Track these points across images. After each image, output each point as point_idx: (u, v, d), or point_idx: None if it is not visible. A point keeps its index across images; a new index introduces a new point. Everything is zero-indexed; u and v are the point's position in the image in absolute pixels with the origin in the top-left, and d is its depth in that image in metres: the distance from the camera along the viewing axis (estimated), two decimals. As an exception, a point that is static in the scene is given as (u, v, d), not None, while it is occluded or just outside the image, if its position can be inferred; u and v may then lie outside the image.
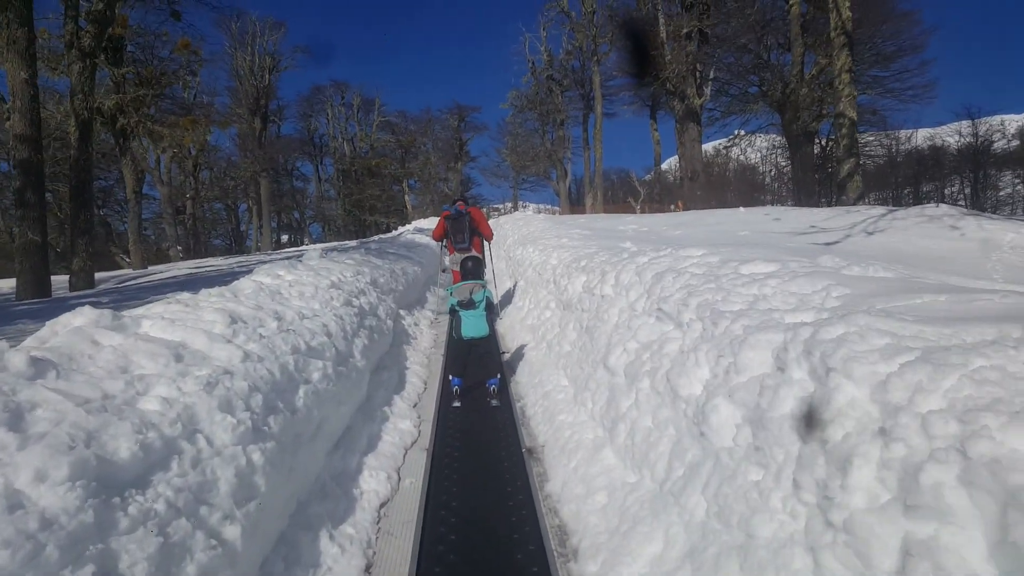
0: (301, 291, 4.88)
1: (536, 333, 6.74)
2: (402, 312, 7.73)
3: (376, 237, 24.01)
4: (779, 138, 36.82)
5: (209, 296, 3.93)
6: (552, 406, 4.64)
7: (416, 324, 7.88)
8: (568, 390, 4.78)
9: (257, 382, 2.97)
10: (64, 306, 9.29)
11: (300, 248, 29.32)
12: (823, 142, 31.84)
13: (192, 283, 11.03)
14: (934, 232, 10.06)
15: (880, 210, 12.89)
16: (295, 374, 3.41)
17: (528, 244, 10.82)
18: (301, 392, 3.33)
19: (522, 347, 6.68)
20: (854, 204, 16.37)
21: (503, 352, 6.78)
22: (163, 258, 32.77)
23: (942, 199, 36.56)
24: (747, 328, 2.95)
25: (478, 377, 5.29)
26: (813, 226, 12.01)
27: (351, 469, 3.59)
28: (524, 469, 3.88)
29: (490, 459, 4.09)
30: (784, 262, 3.97)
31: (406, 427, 4.44)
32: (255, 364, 3.09)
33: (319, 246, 27.88)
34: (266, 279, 5.01)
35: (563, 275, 7.06)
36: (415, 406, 5.06)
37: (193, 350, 2.99)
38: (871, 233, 10.58)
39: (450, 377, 5.26)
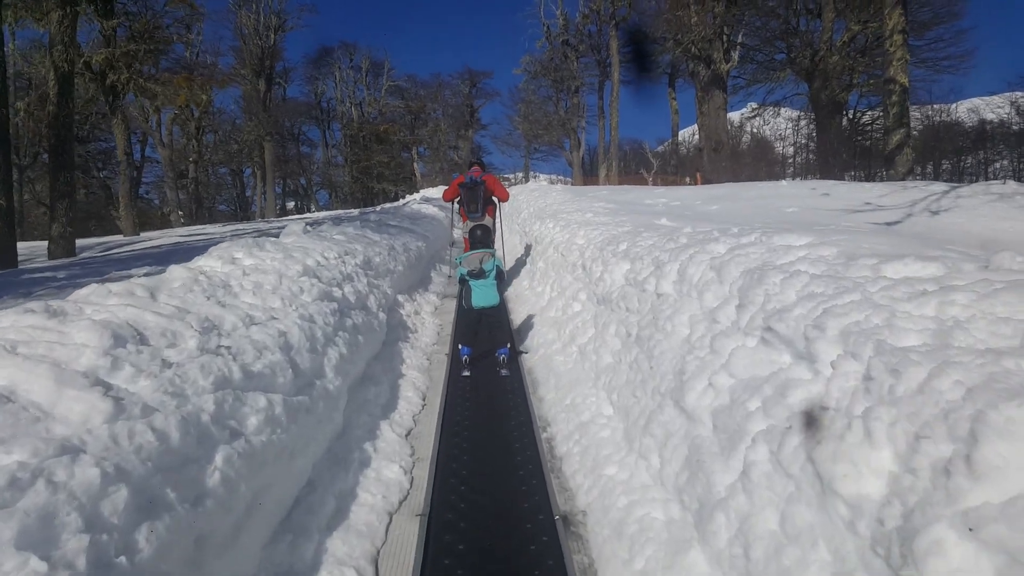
0: (259, 282, 3.64)
1: (562, 331, 5.50)
2: (400, 298, 6.50)
3: (379, 207, 22.73)
4: (801, 112, 34.99)
5: (107, 295, 2.68)
6: (593, 447, 3.41)
7: (417, 312, 6.65)
8: (615, 424, 3.53)
9: (127, 460, 1.74)
10: (16, 281, 8.15)
11: (305, 216, 28.09)
12: (851, 113, 30.26)
13: (177, 253, 10.14)
14: (1011, 213, 8.94)
15: (941, 187, 11.67)
16: (212, 428, 2.17)
17: (547, 219, 9.51)
18: (219, 459, 2.11)
19: (546, 349, 5.44)
20: (903, 179, 14.90)
21: (521, 352, 5.60)
22: (165, 223, 31.62)
23: (986, 175, 34.62)
24: (971, 391, 1.69)
25: (487, 347, 5.29)
26: (868, 203, 10.92)
27: (302, 565, 2.38)
28: (561, 558, 2.66)
29: (511, 531, 2.87)
30: (948, 262, 2.67)
31: (393, 476, 3.23)
32: (133, 424, 1.87)
33: (324, 214, 26.64)
34: (214, 264, 3.77)
35: (595, 259, 5.80)
36: (408, 435, 3.85)
37: (21, 405, 1.76)
38: (935, 212, 9.54)
39: (460, 346, 5.29)
